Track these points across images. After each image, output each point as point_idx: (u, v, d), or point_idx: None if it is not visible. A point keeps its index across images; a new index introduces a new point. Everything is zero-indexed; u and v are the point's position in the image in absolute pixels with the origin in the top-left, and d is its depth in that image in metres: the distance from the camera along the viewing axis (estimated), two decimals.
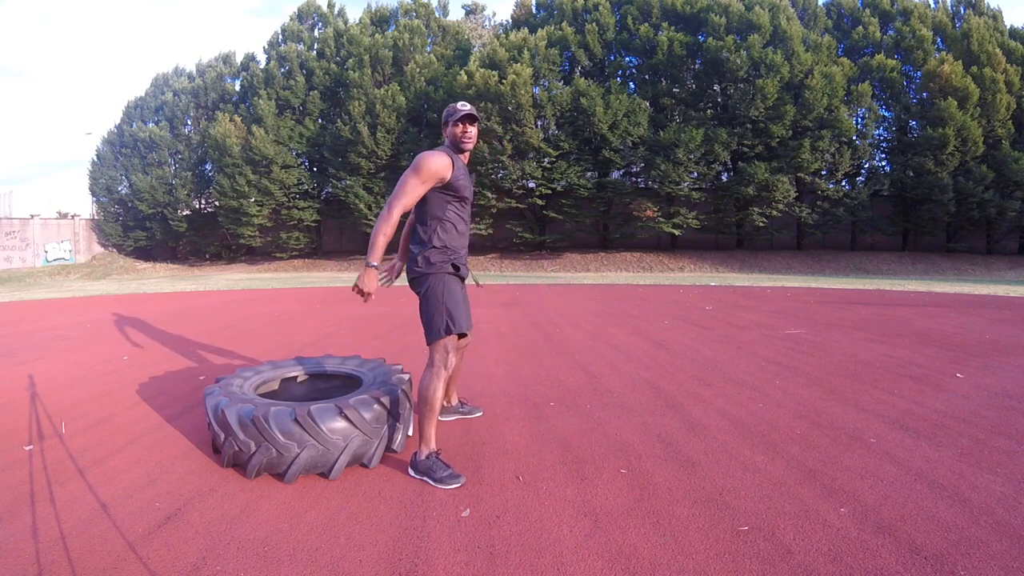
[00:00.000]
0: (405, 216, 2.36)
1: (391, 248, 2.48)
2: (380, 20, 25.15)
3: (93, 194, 25.04)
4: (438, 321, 2.21)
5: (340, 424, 2.11)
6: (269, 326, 6.46)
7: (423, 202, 2.28)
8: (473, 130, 2.29)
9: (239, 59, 25.56)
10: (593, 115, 19.64)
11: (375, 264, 2.16)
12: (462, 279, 2.38)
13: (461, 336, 2.35)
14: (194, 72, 25.84)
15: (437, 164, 2.18)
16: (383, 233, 2.14)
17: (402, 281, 2.52)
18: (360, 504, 1.94)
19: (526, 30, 22.20)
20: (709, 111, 21.06)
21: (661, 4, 22.04)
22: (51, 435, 2.67)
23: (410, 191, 2.17)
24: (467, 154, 2.35)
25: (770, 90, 19.19)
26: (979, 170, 18.96)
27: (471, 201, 2.39)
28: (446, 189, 2.24)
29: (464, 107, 2.27)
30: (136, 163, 23.76)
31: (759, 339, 5.22)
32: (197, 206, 25.00)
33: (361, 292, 2.17)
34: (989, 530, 1.71)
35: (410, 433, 2.51)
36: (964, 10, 22.65)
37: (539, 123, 20.68)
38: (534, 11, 25.11)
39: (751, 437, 2.57)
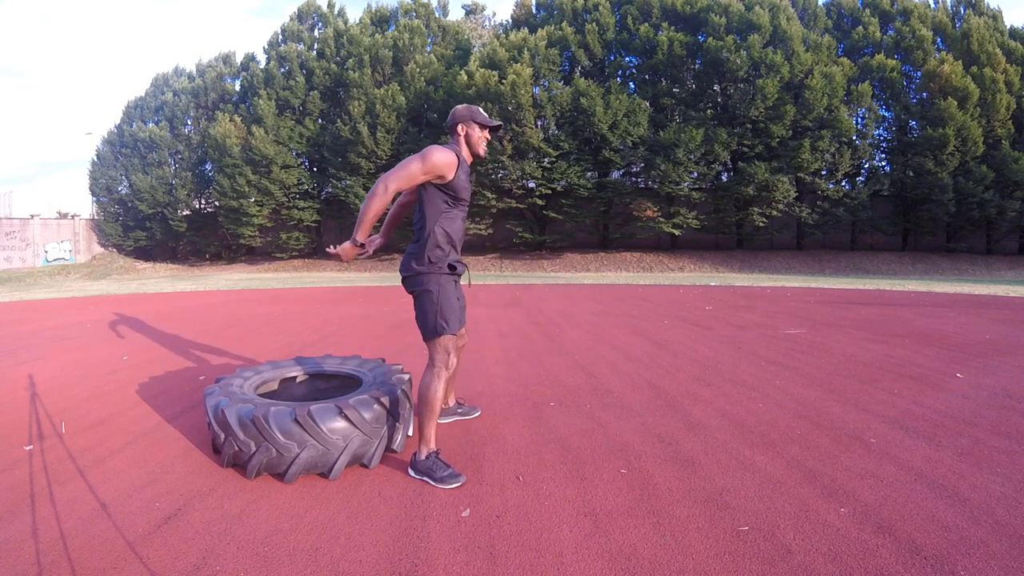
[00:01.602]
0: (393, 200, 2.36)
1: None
2: (380, 20, 25.15)
3: (93, 194, 25.04)
4: (432, 321, 2.21)
5: (340, 424, 2.11)
6: (269, 326, 6.46)
7: (422, 201, 2.27)
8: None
9: (239, 59, 25.57)
10: (593, 115, 19.64)
11: (361, 242, 2.18)
12: (457, 278, 2.37)
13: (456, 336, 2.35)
14: (194, 72, 25.84)
15: (444, 159, 2.16)
16: (373, 209, 2.10)
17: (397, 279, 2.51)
18: (360, 504, 1.94)
19: (526, 30, 22.21)
20: (709, 111, 21.06)
21: (661, 4, 22.04)
22: (51, 435, 2.67)
23: (410, 175, 2.15)
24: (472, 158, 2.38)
25: (770, 90, 19.19)
26: (979, 170, 18.96)
27: (468, 203, 2.39)
28: (446, 188, 2.23)
29: (493, 119, 2.35)
30: (136, 163, 23.76)
31: (759, 339, 5.22)
32: (197, 206, 25.01)
33: (337, 255, 2.20)
34: (989, 530, 1.71)
35: (410, 433, 2.51)
36: (964, 10, 22.65)
37: (539, 123, 20.69)
38: (534, 11, 25.12)
39: (751, 437, 2.57)
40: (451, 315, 2.22)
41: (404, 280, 2.33)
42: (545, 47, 20.98)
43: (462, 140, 2.32)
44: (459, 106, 2.36)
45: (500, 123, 2.39)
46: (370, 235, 2.26)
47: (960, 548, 1.62)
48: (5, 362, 4.43)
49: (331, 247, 2.22)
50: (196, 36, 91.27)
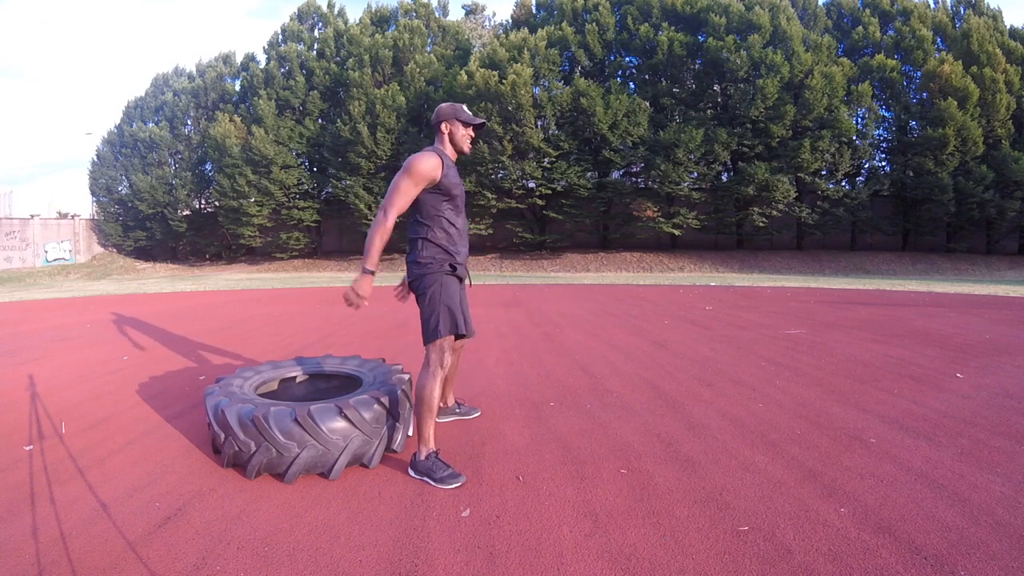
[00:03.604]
0: (401, 220, 2.34)
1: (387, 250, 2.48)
2: (380, 20, 25.15)
3: (93, 194, 25.05)
4: (434, 322, 2.22)
5: (340, 424, 2.11)
6: (269, 326, 6.46)
7: (416, 204, 2.28)
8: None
9: (239, 59, 25.57)
10: (593, 115, 19.63)
11: (372, 270, 2.17)
12: (460, 280, 2.37)
13: (459, 337, 2.35)
14: (194, 72, 25.85)
15: (428, 165, 2.20)
16: (379, 237, 2.16)
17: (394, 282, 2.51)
18: (360, 504, 1.94)
19: (526, 30, 22.20)
20: (709, 111, 21.06)
21: (661, 4, 22.04)
22: (51, 435, 2.67)
23: (403, 193, 2.19)
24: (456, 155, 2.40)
25: (770, 90, 19.19)
26: (979, 170, 18.95)
27: (463, 200, 2.40)
28: (436, 189, 2.25)
29: (476, 116, 2.36)
30: (136, 163, 23.76)
31: (759, 339, 5.22)
32: (197, 206, 25.01)
33: (357, 296, 2.16)
34: (989, 530, 1.71)
35: (410, 433, 2.50)
36: (964, 10, 22.65)
37: (539, 123, 20.68)
38: (534, 11, 25.12)
39: (751, 437, 2.57)
40: (456, 313, 2.24)
41: (410, 284, 2.34)
42: (545, 47, 20.98)
43: (446, 138, 2.34)
44: (443, 104, 2.37)
45: (484, 120, 2.42)
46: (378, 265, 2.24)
47: (960, 548, 1.62)
48: (5, 362, 4.43)
49: (348, 295, 2.17)
50: (196, 36, 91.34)
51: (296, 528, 1.78)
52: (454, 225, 2.32)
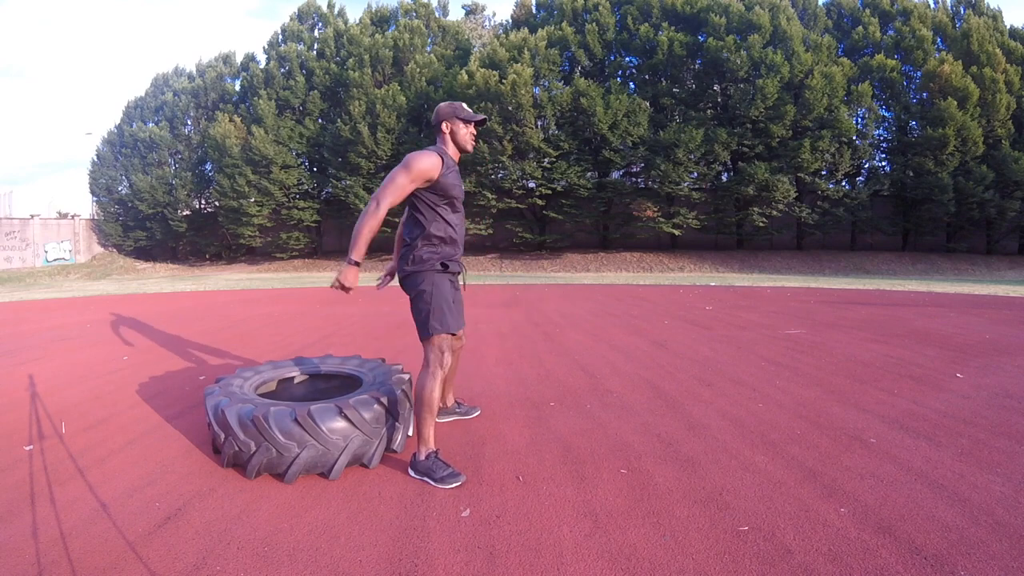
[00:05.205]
0: (395, 215, 2.32)
1: (376, 248, 2.48)
2: (380, 20, 25.15)
3: (93, 194, 25.04)
4: (425, 320, 2.22)
5: (340, 424, 2.11)
6: (269, 326, 6.46)
7: (413, 202, 2.28)
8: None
9: (239, 59, 25.57)
10: (593, 115, 19.63)
11: (357, 261, 2.14)
12: (453, 277, 2.37)
13: (453, 336, 2.35)
14: (194, 72, 25.84)
15: (426, 164, 2.18)
16: (368, 227, 2.12)
17: (396, 281, 2.51)
18: (360, 504, 1.94)
19: (526, 30, 22.20)
20: (709, 111, 21.05)
21: (661, 4, 22.04)
22: (51, 435, 2.67)
23: (398, 187, 2.16)
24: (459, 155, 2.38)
25: (770, 90, 19.19)
26: (979, 170, 18.95)
27: (462, 200, 2.38)
28: (434, 189, 2.24)
29: (476, 113, 2.35)
30: (136, 163, 23.76)
31: (759, 339, 5.22)
32: (197, 206, 25.00)
33: (342, 287, 2.15)
34: (989, 530, 1.71)
35: (410, 433, 2.50)
36: (964, 10, 22.65)
37: (539, 123, 20.68)
38: (534, 11, 25.11)
39: (751, 437, 2.57)
40: (444, 314, 2.22)
41: (401, 282, 2.34)
42: (545, 47, 20.98)
43: (448, 138, 2.33)
44: (442, 104, 2.36)
45: (484, 117, 2.40)
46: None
47: (960, 548, 1.62)
48: (5, 362, 4.43)
49: (333, 284, 2.19)
50: (196, 36, 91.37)
51: (296, 528, 1.78)
52: (450, 225, 2.30)
